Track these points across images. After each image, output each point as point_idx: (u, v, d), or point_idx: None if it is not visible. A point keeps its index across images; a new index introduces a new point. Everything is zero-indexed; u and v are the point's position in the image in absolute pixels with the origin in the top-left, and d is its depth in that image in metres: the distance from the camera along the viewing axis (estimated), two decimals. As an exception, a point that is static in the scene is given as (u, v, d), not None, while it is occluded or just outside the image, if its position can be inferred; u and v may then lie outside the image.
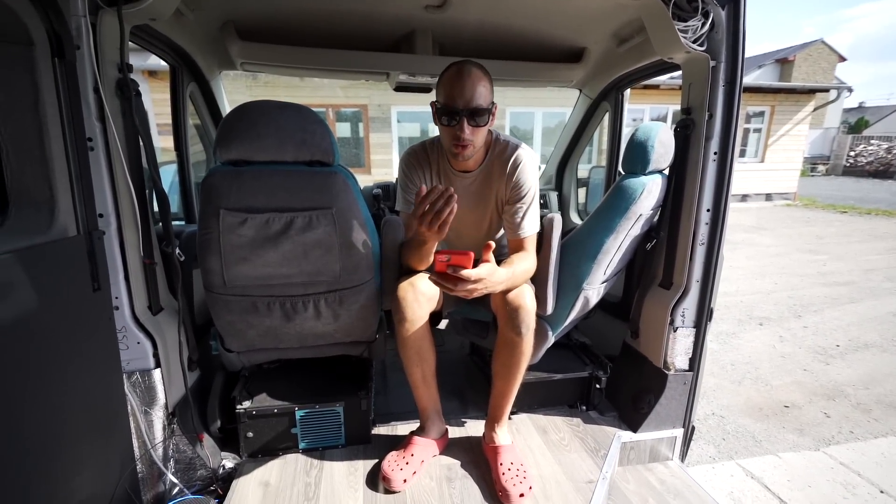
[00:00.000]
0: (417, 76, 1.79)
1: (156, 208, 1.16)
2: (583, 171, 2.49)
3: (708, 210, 1.33)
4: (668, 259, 1.43)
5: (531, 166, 1.26)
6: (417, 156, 1.33)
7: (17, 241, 0.83)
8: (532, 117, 8.73)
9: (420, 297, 1.19)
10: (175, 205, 1.70)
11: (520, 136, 9.07)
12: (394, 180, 2.15)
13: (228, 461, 1.33)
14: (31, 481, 0.82)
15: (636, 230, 1.39)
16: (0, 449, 0.75)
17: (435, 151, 1.32)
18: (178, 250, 1.17)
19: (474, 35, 1.68)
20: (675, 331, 1.40)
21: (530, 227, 1.27)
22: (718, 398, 2.66)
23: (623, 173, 1.37)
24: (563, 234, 1.43)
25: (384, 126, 8.19)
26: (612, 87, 1.99)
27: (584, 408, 1.59)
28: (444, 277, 1.00)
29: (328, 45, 1.63)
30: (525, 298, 1.19)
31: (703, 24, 1.28)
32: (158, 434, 1.17)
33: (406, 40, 1.70)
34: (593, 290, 1.42)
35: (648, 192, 1.33)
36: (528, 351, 1.23)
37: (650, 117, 9.37)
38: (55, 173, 0.91)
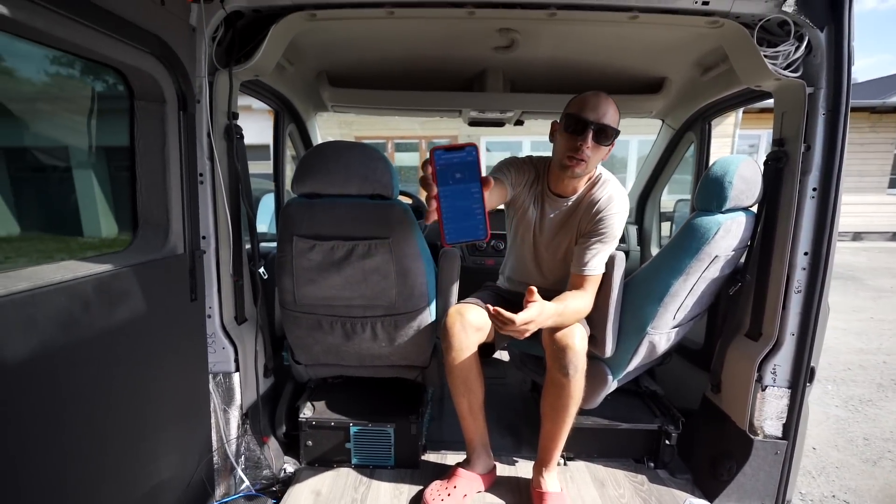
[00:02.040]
0: (487, 112, 1.84)
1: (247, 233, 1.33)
2: (668, 202, 2.34)
3: (806, 253, 1.17)
4: (757, 307, 1.28)
5: (620, 210, 1.24)
6: (523, 161, 1.35)
7: (140, 257, 1.03)
8: (627, 145, 8.41)
9: (468, 326, 1.20)
10: (272, 227, 1.91)
11: (615, 164, 8.74)
12: None
13: (290, 466, 1.43)
14: (125, 456, 0.98)
15: (713, 272, 1.26)
16: (100, 428, 0.91)
17: (539, 167, 1.34)
18: (262, 269, 1.32)
19: (546, 71, 1.70)
20: (763, 389, 1.24)
21: (596, 267, 1.23)
22: (844, 479, 2.21)
23: (697, 210, 1.27)
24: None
25: None
26: (698, 117, 1.86)
27: (652, 465, 1.44)
28: (492, 315, 1.00)
29: (406, 87, 1.76)
30: (574, 338, 1.15)
31: (798, 48, 1.16)
32: (234, 432, 1.30)
33: (478, 79, 1.76)
34: (661, 335, 1.32)
35: (726, 231, 1.21)
36: (576, 394, 1.17)
37: (768, 144, 8.36)
38: (171, 202, 1.11)
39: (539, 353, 1.45)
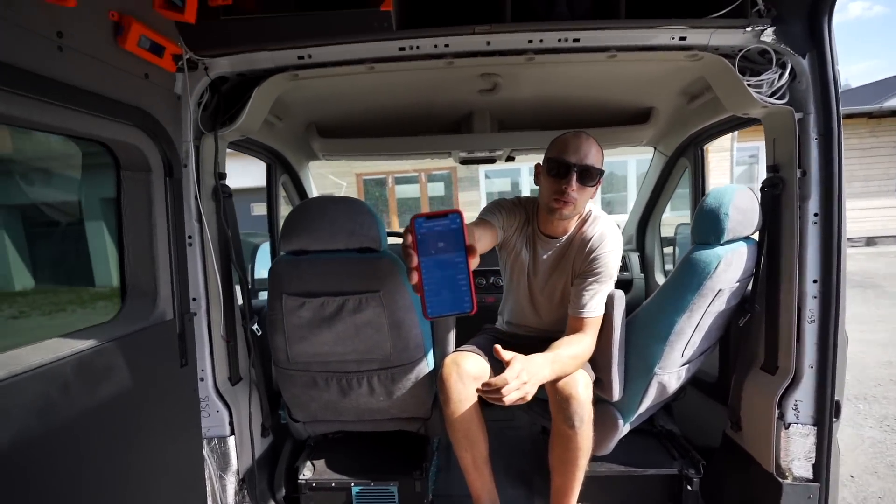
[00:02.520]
0: (477, 152, 1.85)
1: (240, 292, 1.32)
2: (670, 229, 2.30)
3: (815, 281, 1.12)
4: (770, 338, 1.22)
5: (614, 247, 1.22)
6: (513, 204, 1.35)
7: (127, 327, 1.00)
8: (625, 165, 8.44)
9: (465, 376, 1.16)
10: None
11: (614, 183, 8.74)
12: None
13: None
14: None
15: (718, 306, 1.22)
16: (94, 499, 0.87)
17: (529, 208, 1.33)
18: (255, 326, 1.30)
19: (532, 109, 1.71)
20: (786, 427, 1.16)
21: (594, 308, 1.19)
22: (887, 511, 2.06)
23: (695, 244, 1.24)
24: (641, 303, 1.32)
25: (472, 185, 8.51)
26: (689, 143, 1.84)
27: None
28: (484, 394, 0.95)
29: (395, 133, 1.78)
30: (577, 387, 1.10)
31: (781, 76, 1.15)
32: (231, 498, 1.25)
33: (466, 121, 1.78)
34: (670, 375, 1.26)
35: (727, 264, 1.17)
36: (585, 445, 1.12)
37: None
38: (159, 268, 1.09)
39: (545, 396, 1.39)
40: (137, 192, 1.06)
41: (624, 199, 8.54)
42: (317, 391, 1.31)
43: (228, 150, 1.32)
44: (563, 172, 1.14)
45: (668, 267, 2.26)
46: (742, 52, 1.12)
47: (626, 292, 2.22)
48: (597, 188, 1.19)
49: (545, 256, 1.30)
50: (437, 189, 8.86)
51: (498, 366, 1.02)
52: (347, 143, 1.78)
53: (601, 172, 1.16)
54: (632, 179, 8.44)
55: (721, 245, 1.19)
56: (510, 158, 2.00)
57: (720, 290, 1.19)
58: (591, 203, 1.30)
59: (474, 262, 0.63)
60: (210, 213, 1.21)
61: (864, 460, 2.31)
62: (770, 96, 1.15)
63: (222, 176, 1.23)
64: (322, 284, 1.20)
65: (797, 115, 1.11)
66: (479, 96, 1.55)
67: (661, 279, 2.20)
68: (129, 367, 0.97)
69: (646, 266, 2.21)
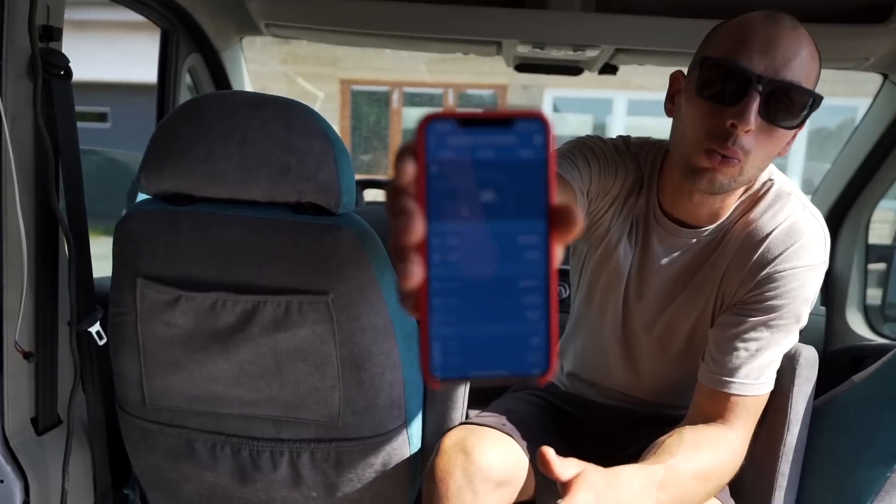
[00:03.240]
0: (549, 48, 1.72)
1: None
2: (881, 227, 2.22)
3: None
4: None
5: (814, 261, 1.08)
6: (614, 149, 1.23)
7: None
8: None
9: (476, 476, 1.07)
10: None
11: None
12: None
13: None
14: None
15: None
16: None
17: (646, 163, 1.23)
18: (96, 328, 1.19)
19: None
20: None
21: (759, 381, 1.07)
22: None
23: None
24: (823, 381, 1.19)
25: None
26: None
27: None
28: None
29: None
30: None
31: None
32: None
33: None
34: None
35: None
36: None
37: None
38: None
39: None
40: None
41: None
42: (194, 466, 1.24)
43: (130, 19, 1.24)
44: (737, 92, 0.96)
45: (873, 299, 2.16)
46: None
47: None
48: (795, 135, 1.04)
49: (665, 261, 1.19)
50: None
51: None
52: (311, 5, 1.66)
53: (815, 99, 0.98)
54: (797, 145, 8.50)
55: None
56: (609, 68, 1.94)
57: None
58: (773, 168, 1.16)
59: (560, 254, 0.42)
60: (21, 100, 1.07)
61: None
62: None
63: (51, 33, 1.10)
64: (217, 268, 1.10)
65: None
66: None
67: (858, 320, 2.09)
68: None
69: (833, 292, 2.11)
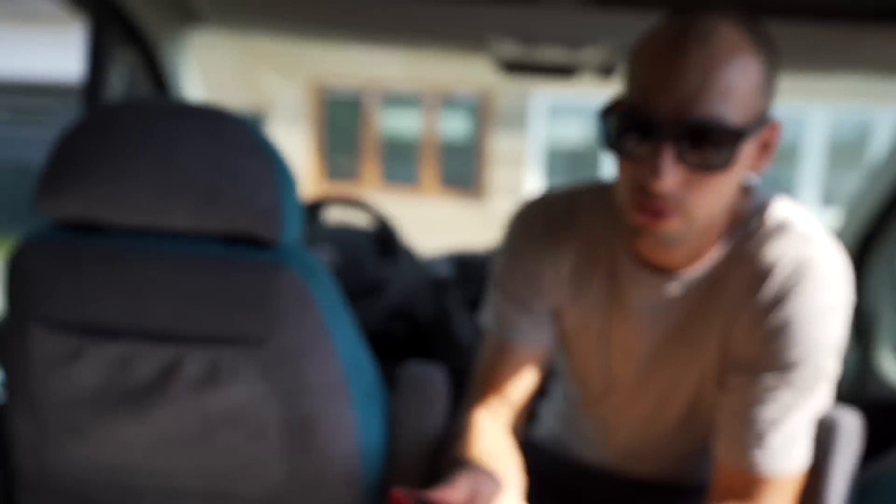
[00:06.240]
0: (542, 45, 1.69)
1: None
2: None
3: None
4: None
5: (834, 298, 1.01)
6: (552, 217, 1.18)
7: None
8: (799, 121, 8.53)
9: None
10: None
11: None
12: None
13: None
14: None
15: None
16: None
17: (595, 216, 1.17)
18: None
19: None
20: None
21: (789, 455, 1.01)
22: None
23: None
24: (878, 443, 1.19)
25: (516, 125, 8.78)
26: None
27: None
28: None
29: None
30: None
31: None
32: None
33: None
34: None
35: None
36: None
37: None
38: None
39: None
40: None
41: (788, 183, 8.72)
42: None
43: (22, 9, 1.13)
44: (643, 145, 0.92)
45: None
46: None
47: None
48: (760, 157, 0.99)
49: (648, 316, 1.13)
50: (455, 127, 9.21)
51: None
52: None
53: (754, 125, 0.92)
54: (811, 147, 8.55)
55: None
56: (606, 70, 1.95)
57: None
58: (760, 187, 1.12)
59: None
60: None
61: None
62: None
63: None
64: (128, 312, 1.04)
65: None
66: None
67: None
68: None
69: (864, 329, 2.07)
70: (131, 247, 1.04)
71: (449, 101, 8.76)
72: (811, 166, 8.40)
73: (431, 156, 8.92)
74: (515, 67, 1.94)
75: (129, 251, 1.04)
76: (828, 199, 8.40)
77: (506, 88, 8.25)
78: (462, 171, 8.89)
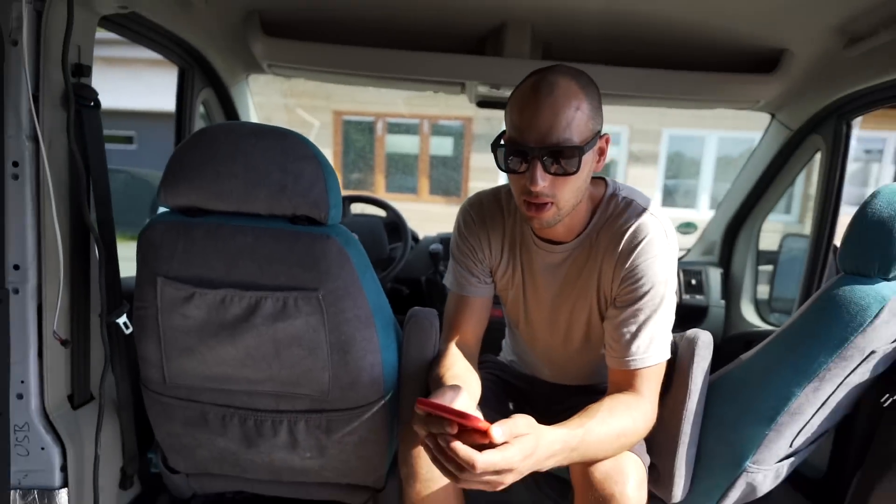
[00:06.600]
0: (504, 87, 1.68)
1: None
2: (771, 237, 2.22)
3: None
4: None
5: (662, 248, 1.06)
6: (484, 210, 1.22)
7: None
8: (701, 143, 8.38)
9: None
10: None
11: (682, 167, 8.66)
12: None
13: None
14: None
15: (861, 375, 1.08)
16: None
17: (513, 205, 1.21)
18: (123, 319, 1.17)
19: (599, 30, 1.55)
20: None
21: (650, 353, 1.05)
22: None
23: (843, 273, 1.09)
24: (721, 359, 1.22)
25: (488, 145, 8.55)
26: (830, 114, 1.69)
27: None
28: (439, 453, 0.80)
29: (383, 43, 1.62)
30: (626, 483, 0.96)
31: None
32: None
33: (493, 37, 1.62)
34: (766, 473, 1.15)
35: (892, 312, 1.00)
36: None
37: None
38: None
39: (565, 475, 1.28)
40: None
41: (694, 190, 8.54)
42: (207, 434, 1.21)
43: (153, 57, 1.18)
44: (523, 160, 0.99)
45: (762, 294, 2.19)
46: None
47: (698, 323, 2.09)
48: (598, 160, 1.05)
49: (550, 274, 1.18)
50: (444, 145, 8.92)
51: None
52: (306, 49, 1.61)
53: (591, 142, 0.99)
54: (708, 163, 8.41)
55: (887, 280, 1.03)
56: None
57: (872, 353, 1.04)
58: (612, 180, 1.17)
59: None
60: (56, 128, 1.04)
61: None
62: None
63: (81, 70, 1.07)
64: (225, 268, 1.07)
65: None
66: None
67: (751, 313, 2.12)
68: None
69: (731, 290, 2.13)
70: (226, 224, 1.08)
71: (439, 127, 8.56)
72: (705, 179, 8.34)
73: (424, 171, 8.65)
74: (486, 103, 1.91)
75: (224, 227, 1.08)
76: (714, 205, 8.21)
77: (480, 117, 8.06)
78: (450, 178, 8.63)
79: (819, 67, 1.59)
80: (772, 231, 2.21)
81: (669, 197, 8.58)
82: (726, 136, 8.07)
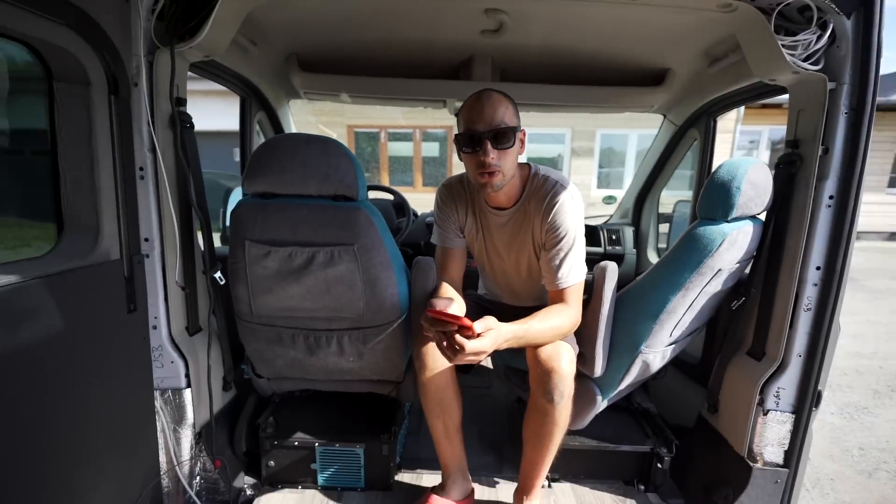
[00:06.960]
0: None
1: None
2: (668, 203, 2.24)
3: (818, 268, 1.08)
4: (761, 324, 1.19)
5: (571, 206, 1.13)
6: (453, 189, 1.27)
7: (62, 264, 0.90)
8: (625, 140, 8.27)
9: None
10: None
11: (612, 158, 8.62)
12: None
13: (250, 488, 1.33)
14: (50, 490, 0.86)
15: (715, 286, 1.17)
16: (22, 457, 0.80)
17: (472, 185, 1.26)
18: (218, 274, 1.21)
19: (538, 59, 1.59)
20: (765, 413, 1.15)
21: (571, 276, 1.12)
22: (839, 492, 2.11)
23: (700, 218, 1.16)
24: (630, 279, 1.25)
25: None
26: (702, 113, 1.74)
27: (643, 487, 1.36)
28: (442, 341, 0.92)
29: (386, 73, 1.64)
30: (560, 360, 1.05)
31: (820, 38, 1.04)
32: (185, 453, 1.20)
33: (465, 66, 1.66)
34: (655, 354, 1.22)
35: (731, 243, 1.10)
36: (562, 420, 1.08)
37: (769, 141, 8.26)
38: (102, 201, 0.98)
39: (524, 367, 1.35)
40: (74, 107, 0.93)
41: (621, 175, 8.44)
42: (282, 348, 1.25)
43: (207, 88, 1.18)
44: (476, 143, 1.06)
45: (662, 245, 2.23)
46: (781, 6, 1.00)
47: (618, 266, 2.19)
48: (521, 146, 1.11)
49: (500, 230, 1.24)
50: (432, 149, 8.75)
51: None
52: (331, 80, 1.64)
53: (516, 129, 1.08)
54: (631, 154, 8.30)
55: (728, 222, 1.12)
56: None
57: (719, 270, 1.14)
58: (533, 164, 1.22)
59: None
60: (166, 143, 1.09)
61: (822, 444, 2.38)
62: (804, 60, 1.04)
63: (181, 101, 1.10)
64: (290, 233, 1.12)
65: (829, 85, 1.02)
66: (481, 38, 1.43)
67: (653, 256, 2.16)
68: (64, 306, 0.88)
69: (640, 242, 2.17)
70: (289, 203, 1.13)
71: (428, 135, 8.43)
72: (629, 166, 8.27)
73: (418, 168, 8.53)
74: None
75: (288, 205, 1.12)
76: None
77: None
78: (438, 173, 8.50)
79: (692, 80, 1.64)
80: (668, 203, 2.23)
81: (604, 180, 8.48)
82: (644, 133, 7.96)
